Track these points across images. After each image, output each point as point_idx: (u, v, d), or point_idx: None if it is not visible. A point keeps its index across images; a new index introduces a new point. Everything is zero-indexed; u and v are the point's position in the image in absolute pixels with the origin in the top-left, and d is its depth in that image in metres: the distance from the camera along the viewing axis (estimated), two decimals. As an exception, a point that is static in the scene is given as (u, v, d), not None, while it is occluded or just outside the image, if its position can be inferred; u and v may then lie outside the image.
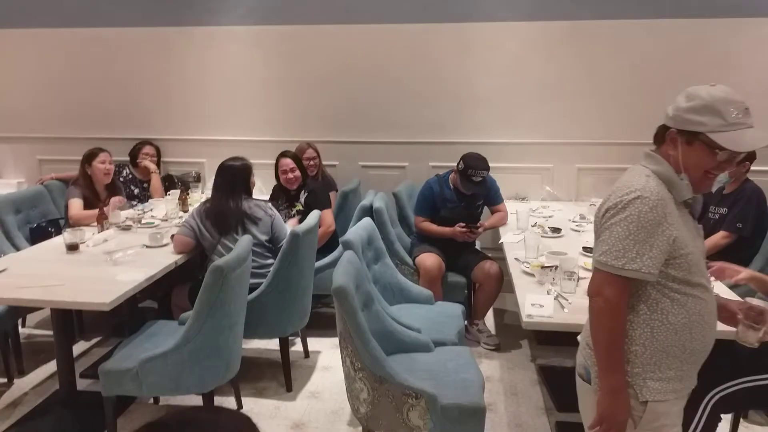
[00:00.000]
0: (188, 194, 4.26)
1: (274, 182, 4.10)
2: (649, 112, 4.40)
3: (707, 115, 1.52)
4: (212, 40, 4.79)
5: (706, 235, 3.52)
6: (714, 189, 3.66)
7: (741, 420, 2.82)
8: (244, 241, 2.72)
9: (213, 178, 3.31)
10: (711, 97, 1.52)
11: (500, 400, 3.16)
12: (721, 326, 2.15)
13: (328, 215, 3.87)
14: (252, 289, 2.96)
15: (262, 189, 4.49)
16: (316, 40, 4.68)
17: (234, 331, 2.67)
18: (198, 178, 4.79)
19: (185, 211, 3.95)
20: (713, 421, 2.22)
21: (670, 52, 4.34)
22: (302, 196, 3.92)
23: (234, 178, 3.21)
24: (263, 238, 3.16)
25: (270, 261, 3.20)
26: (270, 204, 3.32)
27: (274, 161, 3.98)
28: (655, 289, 1.59)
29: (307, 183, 3.97)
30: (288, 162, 3.89)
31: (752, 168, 3.57)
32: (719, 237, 3.45)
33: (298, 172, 3.91)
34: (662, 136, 1.65)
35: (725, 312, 1.75)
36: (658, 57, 4.36)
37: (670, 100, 4.52)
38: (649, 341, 1.60)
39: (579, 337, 1.89)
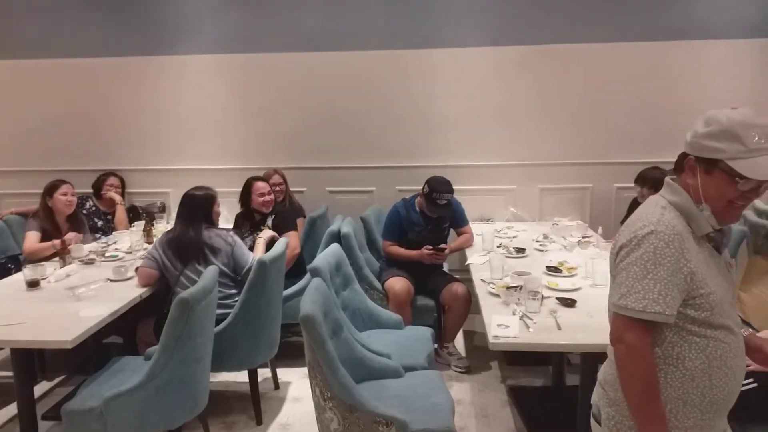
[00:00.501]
0: (153, 225, 4.21)
1: (238, 211, 4.08)
2: (607, 133, 4.59)
3: (726, 141, 1.40)
4: (176, 69, 4.78)
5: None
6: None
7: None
8: (209, 272, 2.70)
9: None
10: (729, 121, 1.41)
11: (471, 423, 3.17)
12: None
13: (294, 238, 3.87)
14: (218, 320, 2.92)
15: (228, 218, 4.46)
16: (281, 67, 4.72)
17: (201, 364, 2.63)
18: (163, 209, 4.75)
19: (150, 243, 3.90)
20: None
21: (625, 74, 4.50)
22: (269, 220, 3.91)
23: (195, 207, 3.19)
24: (225, 268, 3.13)
25: (234, 291, 3.17)
26: (232, 232, 3.29)
27: (241, 188, 3.97)
28: (672, 331, 1.47)
29: (274, 208, 3.98)
30: (264, 185, 3.94)
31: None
32: None
33: (273, 196, 3.96)
34: (682, 163, 1.55)
35: (761, 354, 1.63)
36: (614, 79, 4.52)
37: (626, 119, 4.72)
38: (663, 387, 1.48)
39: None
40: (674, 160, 3.76)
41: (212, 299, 2.68)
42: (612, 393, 1.56)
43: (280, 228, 3.80)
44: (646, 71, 4.49)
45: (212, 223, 3.22)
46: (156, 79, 4.82)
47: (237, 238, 3.26)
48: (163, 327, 2.45)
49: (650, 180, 3.97)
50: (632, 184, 4.15)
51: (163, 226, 4.36)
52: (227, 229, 3.29)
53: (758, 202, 4.33)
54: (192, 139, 4.87)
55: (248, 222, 3.98)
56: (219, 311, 2.94)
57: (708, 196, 1.45)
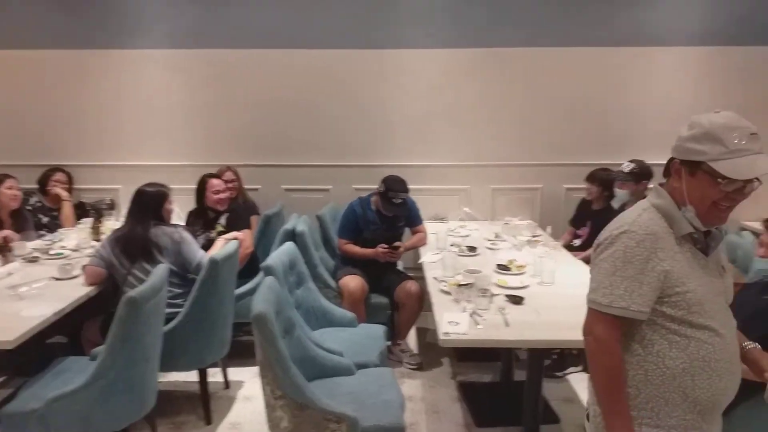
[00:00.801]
0: (101, 222, 4.10)
1: (191, 207, 4.02)
2: (557, 135, 4.71)
3: (707, 143, 1.44)
4: (128, 63, 4.67)
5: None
6: (617, 206, 3.91)
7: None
8: (158, 271, 2.65)
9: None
10: (711, 124, 1.45)
11: (422, 418, 3.22)
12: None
13: (248, 236, 3.84)
14: (167, 319, 2.87)
15: (180, 215, 4.38)
16: (236, 64, 4.67)
17: (149, 364, 2.58)
18: (112, 206, 4.61)
19: (98, 240, 3.80)
20: None
21: (575, 78, 4.63)
22: (222, 219, 3.87)
23: (145, 204, 3.13)
24: (173, 266, 3.08)
25: (185, 290, 3.13)
26: (181, 229, 3.23)
27: (196, 185, 3.91)
28: (651, 328, 1.51)
29: (228, 206, 3.93)
30: (218, 182, 3.89)
31: (651, 185, 3.86)
32: None
33: (228, 193, 3.91)
34: (669, 168, 1.58)
35: (757, 367, 1.63)
36: (564, 83, 4.64)
37: (576, 122, 4.86)
38: (643, 384, 1.51)
39: None
40: (621, 162, 3.91)
41: (161, 298, 2.64)
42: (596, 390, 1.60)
43: (234, 226, 3.76)
44: (595, 76, 4.63)
45: (162, 220, 3.16)
46: (107, 73, 4.70)
47: (186, 235, 3.19)
48: (110, 326, 2.40)
49: (598, 179, 4.11)
50: (581, 185, 4.29)
51: (113, 223, 4.24)
52: (177, 226, 3.23)
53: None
54: (144, 134, 4.77)
55: (201, 220, 3.93)
56: (168, 310, 2.89)
57: (693, 198, 1.49)
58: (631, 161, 3.80)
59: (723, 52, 4.56)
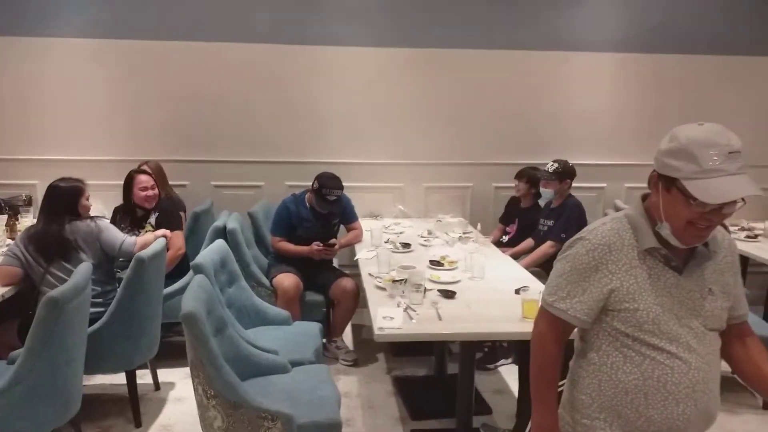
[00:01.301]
0: (17, 220, 3.89)
1: (117, 204, 3.88)
2: (486, 135, 4.85)
3: (682, 160, 1.35)
4: (46, 52, 4.44)
5: (538, 245, 3.92)
6: (543, 204, 4.07)
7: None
8: (82, 269, 2.53)
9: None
10: (688, 140, 1.36)
11: (358, 414, 3.24)
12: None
13: (179, 237, 3.73)
14: (92, 320, 2.76)
15: (104, 212, 4.20)
16: (163, 56, 4.52)
17: (72, 367, 2.47)
18: (29, 202, 4.37)
19: (13, 239, 3.59)
20: None
21: (504, 79, 4.78)
22: (152, 217, 3.74)
23: (58, 200, 2.98)
24: (95, 261, 2.95)
25: (109, 288, 3.01)
26: (97, 219, 3.09)
27: (123, 181, 3.76)
28: (607, 339, 1.49)
29: (158, 203, 3.80)
30: (147, 178, 3.74)
31: (575, 184, 4.04)
32: (547, 246, 3.84)
33: (156, 190, 3.76)
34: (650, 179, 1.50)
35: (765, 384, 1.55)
36: (494, 84, 4.77)
37: (505, 123, 5.00)
38: (596, 394, 1.50)
39: None
40: (545, 162, 4.07)
41: (85, 298, 2.52)
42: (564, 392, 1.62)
43: (165, 226, 3.64)
44: (522, 78, 4.79)
45: (79, 216, 3.02)
46: (23, 62, 4.45)
47: (102, 222, 3.06)
48: (29, 329, 2.27)
49: (526, 176, 4.26)
50: (509, 184, 4.43)
51: (29, 221, 4.02)
52: (93, 217, 3.08)
53: (619, 202, 4.78)
54: (64, 128, 4.54)
55: (128, 217, 3.78)
56: (93, 310, 2.77)
57: (668, 215, 1.41)
58: (555, 161, 3.96)
59: (637, 59, 4.83)
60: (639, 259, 1.46)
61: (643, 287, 1.44)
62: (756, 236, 4.23)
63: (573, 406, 1.56)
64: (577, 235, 1.53)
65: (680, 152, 1.36)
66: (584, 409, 1.53)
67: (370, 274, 3.18)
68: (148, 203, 3.72)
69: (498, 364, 3.82)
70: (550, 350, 1.55)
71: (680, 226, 1.39)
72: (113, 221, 3.79)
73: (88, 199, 3.13)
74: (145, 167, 4.06)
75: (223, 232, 3.68)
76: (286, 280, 3.72)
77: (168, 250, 3.64)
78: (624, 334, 1.46)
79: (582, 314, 1.48)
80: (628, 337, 1.45)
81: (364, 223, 4.26)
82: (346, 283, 3.84)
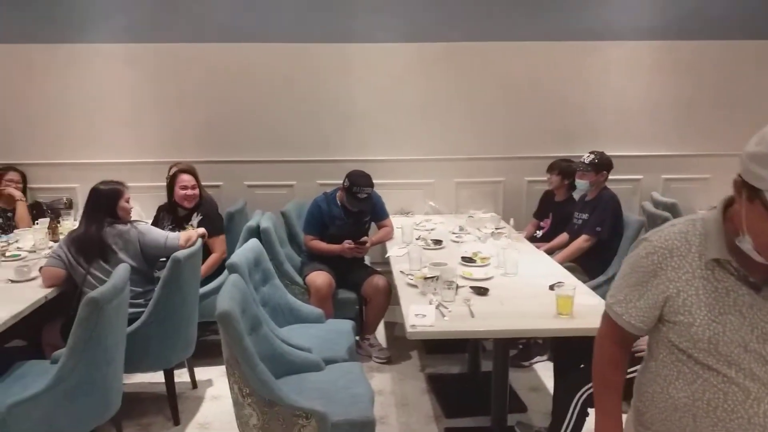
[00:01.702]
0: (59, 222, 4.00)
1: (155, 205, 3.96)
2: (518, 128, 4.79)
3: None
4: (79, 58, 4.55)
5: (572, 239, 3.86)
6: (577, 197, 4.00)
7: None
8: (120, 270, 2.60)
9: (86, 204, 3.14)
10: None
11: (392, 411, 3.24)
12: (579, 322, 2.37)
13: (222, 242, 3.80)
14: (131, 320, 2.83)
15: (141, 214, 4.30)
16: (193, 58, 4.59)
17: (112, 366, 2.53)
18: (70, 205, 4.50)
19: (56, 241, 3.71)
20: (582, 417, 2.41)
21: (534, 71, 4.71)
22: (195, 219, 3.80)
23: (98, 202, 3.05)
24: (134, 263, 3.02)
25: (148, 288, 3.08)
26: (136, 223, 3.14)
27: (159, 182, 3.84)
28: (663, 350, 1.39)
29: (201, 205, 3.86)
30: (188, 178, 3.82)
31: (611, 177, 3.96)
32: (582, 240, 3.77)
33: (197, 190, 3.84)
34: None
35: None
36: (524, 76, 4.71)
37: (536, 115, 4.93)
38: (650, 404, 1.42)
39: None
40: (579, 154, 3.99)
41: (124, 298, 2.59)
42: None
43: (209, 230, 3.69)
44: (553, 70, 4.71)
45: (118, 218, 3.09)
46: (61, 68, 4.57)
47: (142, 226, 3.12)
48: (71, 329, 2.34)
49: (558, 168, 4.20)
50: (542, 178, 4.37)
51: (70, 223, 4.14)
52: (133, 222, 3.14)
53: (656, 194, 4.67)
54: (101, 131, 4.65)
55: (171, 216, 3.86)
56: (131, 310, 2.84)
57: (750, 228, 1.21)
58: (591, 152, 3.89)
59: (673, 46, 4.70)
60: (706, 269, 1.30)
61: (704, 301, 1.30)
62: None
63: (633, 414, 1.50)
64: (643, 235, 1.42)
65: (767, 159, 1.15)
66: (642, 415, 1.45)
67: (401, 271, 3.17)
68: (187, 202, 3.79)
69: (533, 361, 3.78)
70: (608, 351, 1.48)
71: (762, 243, 1.20)
72: (156, 220, 3.88)
73: (128, 201, 3.20)
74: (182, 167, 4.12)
75: (256, 232, 3.72)
76: (319, 278, 3.74)
77: (211, 253, 3.71)
78: (678, 348, 1.34)
79: (637, 320, 1.39)
80: (683, 353, 1.34)
81: (395, 220, 4.26)
82: (378, 280, 3.84)
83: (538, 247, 3.79)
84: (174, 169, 4.04)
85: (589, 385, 2.38)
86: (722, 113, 4.77)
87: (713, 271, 1.30)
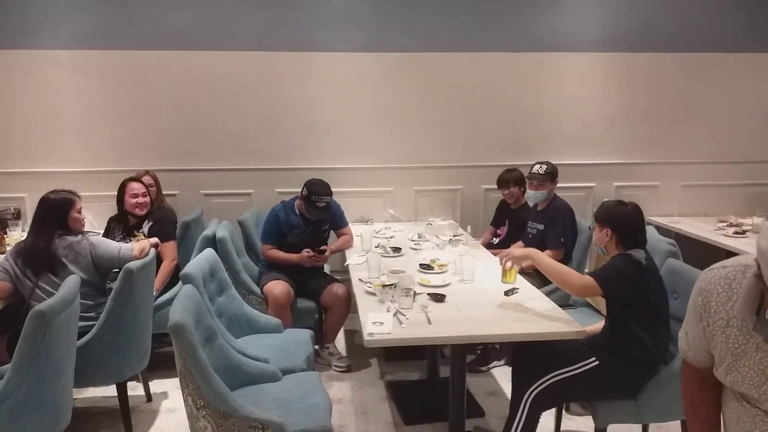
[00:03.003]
0: (6, 233, 3.87)
1: (108, 215, 3.87)
2: (475, 137, 4.87)
3: None
4: (30, 64, 4.42)
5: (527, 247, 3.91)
6: (532, 204, 4.07)
7: (564, 413, 3.15)
8: (69, 282, 2.52)
9: (35, 214, 3.05)
10: None
11: (351, 420, 3.23)
12: (534, 326, 2.43)
13: (172, 248, 3.75)
14: (82, 333, 2.75)
15: (93, 224, 4.20)
16: (150, 66, 4.52)
17: (62, 380, 2.46)
18: (18, 215, 4.36)
19: (2, 253, 3.58)
20: (533, 416, 2.47)
21: (490, 81, 4.79)
22: (145, 226, 3.73)
23: (48, 212, 2.97)
24: (85, 276, 2.94)
25: (98, 302, 3.00)
26: (88, 235, 3.06)
27: (112, 191, 3.76)
28: (726, 389, 1.35)
29: (152, 212, 3.80)
30: (138, 186, 3.77)
31: (565, 184, 4.06)
32: (555, 256, 3.81)
33: (148, 198, 3.78)
34: None
35: None
36: (481, 86, 4.79)
37: (493, 125, 5.02)
38: None
39: None
40: (531, 162, 4.07)
41: (73, 311, 2.51)
42: None
43: (159, 236, 3.63)
44: (508, 80, 4.81)
45: (68, 230, 3.01)
46: (10, 74, 4.43)
47: (94, 238, 3.04)
48: (17, 343, 2.26)
49: (512, 180, 4.26)
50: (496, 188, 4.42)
51: (18, 234, 4.01)
52: (84, 233, 3.06)
53: (607, 201, 4.79)
54: (52, 139, 4.53)
55: (121, 226, 3.78)
56: (82, 323, 2.77)
57: None
58: (541, 162, 3.97)
59: (625, 58, 4.86)
60: (741, 320, 1.23)
61: (731, 350, 1.27)
62: (744, 232, 4.26)
63: None
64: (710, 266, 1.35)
65: None
66: None
67: (360, 279, 3.18)
68: (139, 210, 3.72)
69: (491, 366, 3.83)
70: (685, 386, 1.47)
71: None
72: (107, 231, 3.80)
73: (80, 212, 3.11)
74: (145, 177, 4.06)
75: (212, 241, 3.67)
76: (277, 287, 3.72)
77: (162, 260, 3.65)
78: (731, 389, 1.30)
79: (698, 355, 1.37)
80: (739, 394, 1.29)
81: (355, 228, 4.26)
82: (338, 288, 3.84)
83: (494, 254, 3.84)
84: (145, 177, 4.02)
85: (538, 382, 2.48)
86: (671, 123, 4.95)
87: (741, 320, 1.25)
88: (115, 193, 3.79)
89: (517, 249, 2.90)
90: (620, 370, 2.47)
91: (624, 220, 2.60)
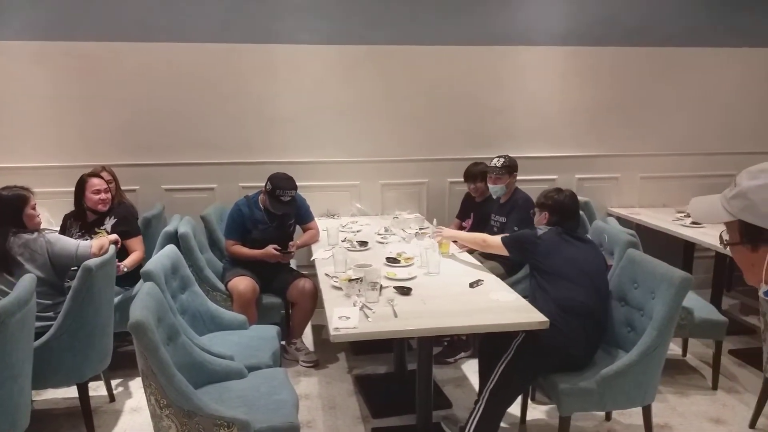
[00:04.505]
0: (-44, 232, 3.71)
1: (64, 212, 3.75)
2: (439, 130, 4.88)
3: None
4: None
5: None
6: (495, 197, 4.11)
7: (529, 401, 3.20)
8: (24, 282, 2.44)
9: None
10: None
11: (318, 415, 3.22)
12: (499, 317, 2.48)
13: (140, 243, 3.66)
14: (39, 333, 2.67)
15: (50, 221, 4.07)
16: (108, 58, 4.39)
17: (18, 383, 2.38)
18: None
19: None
20: (492, 411, 2.60)
21: (455, 75, 4.80)
22: (108, 223, 3.63)
23: (1, 210, 2.88)
24: (42, 274, 2.85)
25: (56, 301, 2.92)
26: (45, 232, 2.98)
27: (72, 187, 3.63)
28: None
29: (113, 208, 3.70)
30: (100, 182, 3.63)
31: (526, 177, 4.10)
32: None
33: (110, 194, 3.67)
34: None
35: None
36: (445, 80, 4.80)
37: (456, 118, 5.03)
38: None
39: None
40: (495, 156, 4.10)
41: (29, 311, 2.43)
42: None
43: (126, 233, 3.54)
44: (471, 73, 4.82)
45: (23, 227, 2.91)
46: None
47: (51, 236, 2.96)
48: (-31, 346, 2.18)
49: (480, 174, 4.29)
50: (462, 179, 4.45)
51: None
52: (39, 231, 2.97)
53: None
54: (4, 134, 4.36)
55: (78, 222, 3.66)
56: (41, 323, 2.69)
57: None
58: (499, 156, 4.01)
59: (585, 52, 4.92)
60: None
61: None
62: (701, 222, 4.38)
63: None
64: None
65: None
66: None
67: (326, 274, 3.16)
68: (102, 206, 3.61)
69: (458, 357, 3.86)
70: None
71: None
72: (63, 228, 3.68)
73: (35, 209, 3.01)
74: (103, 173, 3.95)
75: (174, 237, 3.60)
76: (242, 283, 3.67)
77: (128, 254, 3.56)
78: None
79: None
80: None
81: (321, 223, 4.24)
82: (304, 283, 3.81)
83: (460, 248, 3.87)
84: (102, 173, 3.90)
85: (491, 377, 2.61)
86: (632, 116, 5.05)
87: None
88: (71, 189, 3.68)
89: (447, 230, 3.67)
90: (541, 332, 2.55)
91: (560, 204, 3.00)
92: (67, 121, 4.43)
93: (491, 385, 2.60)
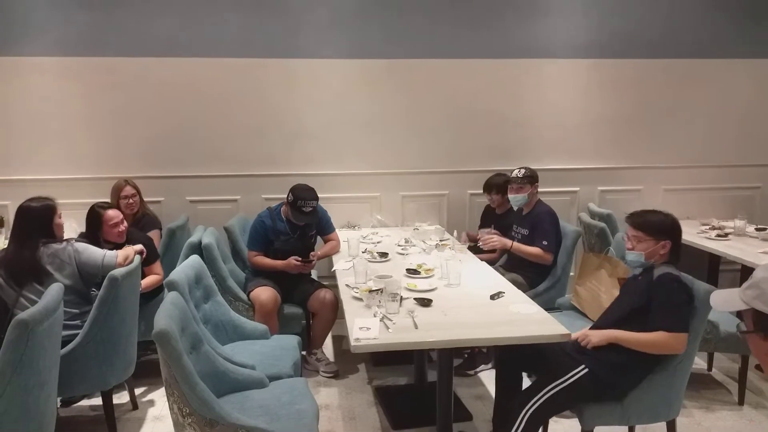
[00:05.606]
0: (-12, 242, 3.81)
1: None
2: (460, 143, 4.90)
3: None
4: (13, 71, 4.38)
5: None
6: (516, 208, 4.10)
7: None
8: (53, 290, 2.50)
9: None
10: None
11: (339, 426, 3.22)
12: (520, 329, 2.45)
13: (158, 267, 3.64)
14: (65, 342, 2.72)
15: (78, 231, 4.15)
16: (135, 73, 4.50)
17: (45, 390, 2.43)
18: (0, 223, 4.31)
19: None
20: (529, 429, 2.48)
21: (475, 88, 4.82)
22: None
23: (30, 221, 2.93)
24: (70, 283, 2.91)
25: (83, 310, 2.98)
26: (73, 241, 3.01)
27: (86, 217, 3.45)
28: None
29: (138, 220, 3.75)
30: (115, 213, 3.40)
31: (549, 189, 4.09)
32: (541, 251, 3.84)
33: (125, 224, 3.48)
34: None
35: None
36: (466, 92, 4.82)
37: (477, 130, 5.06)
38: None
39: None
40: (517, 167, 4.10)
41: (57, 319, 2.49)
42: None
43: (145, 263, 3.47)
44: (492, 86, 4.84)
45: (52, 237, 2.98)
46: (-10, 82, 4.39)
47: (79, 245, 3.00)
48: (-1, 352, 2.24)
49: (496, 186, 4.30)
50: (482, 191, 4.45)
51: (2, 243, 3.97)
52: (68, 240, 3.03)
53: (592, 205, 4.84)
54: (35, 147, 4.48)
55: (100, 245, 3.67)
56: (68, 332, 2.75)
57: None
58: (521, 167, 4.01)
59: (607, 64, 4.91)
60: None
61: None
62: (726, 235, 4.31)
63: None
64: None
65: None
66: None
67: (347, 284, 3.18)
68: (121, 238, 3.45)
69: (478, 369, 3.84)
70: None
71: None
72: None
73: (60, 218, 3.08)
74: (127, 187, 4.00)
75: (198, 248, 3.66)
76: (264, 293, 3.71)
77: (144, 276, 3.54)
78: None
79: None
80: None
81: (342, 234, 4.27)
82: (325, 294, 3.84)
83: (480, 259, 3.86)
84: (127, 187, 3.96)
85: (537, 398, 2.48)
86: (654, 128, 5.02)
87: None
88: (99, 200, 3.74)
89: (596, 332, 2.57)
90: (611, 375, 2.49)
91: (680, 234, 2.59)
92: (97, 134, 4.54)
93: (534, 408, 2.47)
